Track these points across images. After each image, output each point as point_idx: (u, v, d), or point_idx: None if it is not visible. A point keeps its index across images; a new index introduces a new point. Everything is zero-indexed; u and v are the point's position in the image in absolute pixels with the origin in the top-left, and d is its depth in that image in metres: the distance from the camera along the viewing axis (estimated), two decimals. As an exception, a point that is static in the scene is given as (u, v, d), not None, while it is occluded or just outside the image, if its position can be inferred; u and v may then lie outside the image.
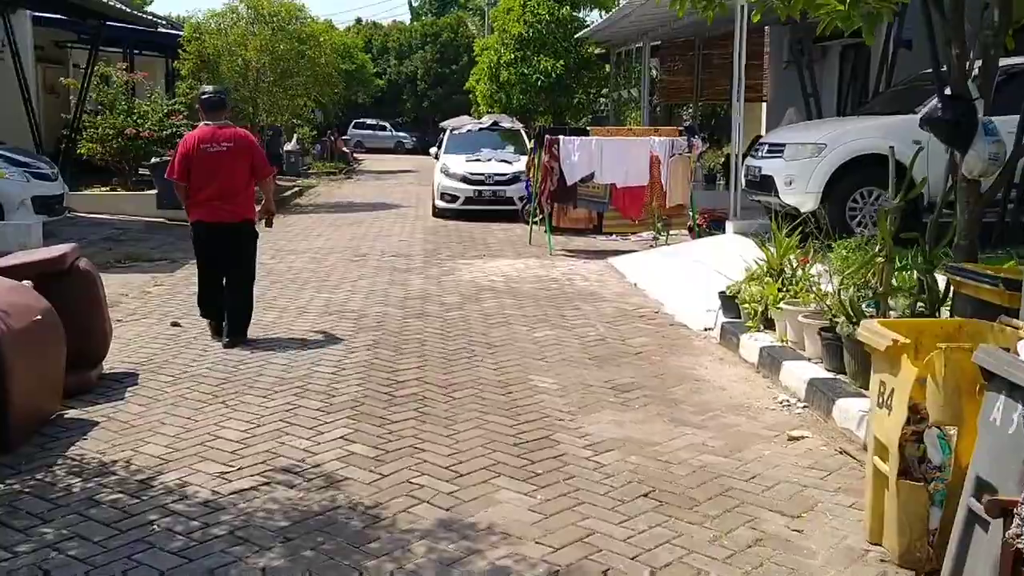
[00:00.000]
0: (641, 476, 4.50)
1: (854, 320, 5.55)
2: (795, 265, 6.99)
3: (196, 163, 6.95)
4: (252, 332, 7.49)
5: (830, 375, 5.79)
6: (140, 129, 17.02)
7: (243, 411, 5.46)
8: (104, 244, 12.96)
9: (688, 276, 9.79)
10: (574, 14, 20.24)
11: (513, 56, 19.87)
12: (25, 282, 5.39)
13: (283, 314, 8.27)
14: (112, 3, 16.51)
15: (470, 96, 34.33)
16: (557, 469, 4.56)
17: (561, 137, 12.07)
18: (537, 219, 14.67)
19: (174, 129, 17.46)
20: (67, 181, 16.74)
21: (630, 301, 9.05)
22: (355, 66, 35.08)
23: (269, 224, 7.78)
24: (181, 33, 19.20)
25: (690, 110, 23.63)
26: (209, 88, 7.46)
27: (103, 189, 17.35)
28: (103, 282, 6.53)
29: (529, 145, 14.82)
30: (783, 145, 10.43)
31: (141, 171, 17.89)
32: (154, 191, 16.31)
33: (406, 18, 57.96)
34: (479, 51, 22.42)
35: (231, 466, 4.59)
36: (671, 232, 12.82)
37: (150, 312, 8.50)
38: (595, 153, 12.05)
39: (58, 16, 17.92)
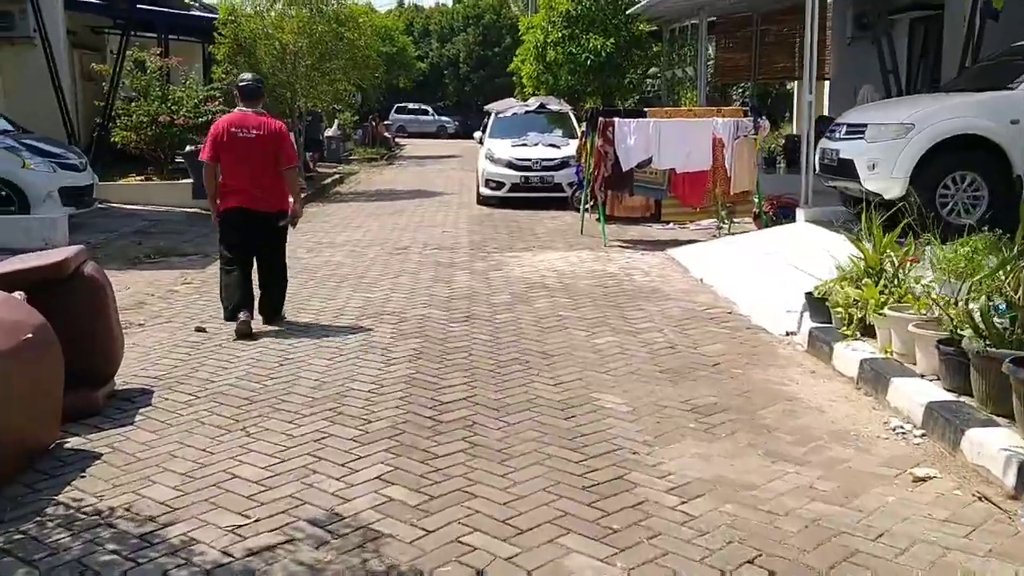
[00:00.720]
0: (742, 533, 3.68)
1: (984, 334, 4.67)
2: (897, 264, 6.08)
3: (226, 147, 6.92)
4: (284, 339, 6.81)
5: (951, 396, 4.90)
6: (175, 116, 16.47)
7: (266, 440, 4.73)
8: (134, 237, 12.39)
9: (761, 271, 8.90)
10: (624, -11, 19.23)
11: (561, 35, 18.85)
12: (17, 293, 4.70)
13: (318, 317, 7.55)
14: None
15: (514, 78, 33.42)
16: (638, 523, 3.76)
17: (616, 119, 11.19)
18: (587, 207, 13.85)
19: (210, 116, 16.88)
20: (100, 171, 16.26)
21: (698, 300, 8.19)
22: (396, 49, 34.35)
23: (292, 224, 7.41)
24: (217, 16, 18.57)
25: (740, 89, 22.53)
26: (248, 76, 7.38)
27: (138, 179, 16.84)
28: (116, 287, 5.87)
29: (579, 128, 13.93)
30: (864, 125, 9.45)
31: (177, 159, 17.38)
32: (189, 180, 15.74)
33: (448, 1, 57.07)
34: (524, 30, 21.47)
35: (247, 516, 3.85)
36: (735, 220, 11.90)
37: (175, 315, 7.83)
38: (653, 136, 11.16)
39: (97, 2, 17.37)
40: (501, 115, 17.26)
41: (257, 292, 7.26)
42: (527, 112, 17.17)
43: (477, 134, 17.47)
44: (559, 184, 15.45)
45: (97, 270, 5.47)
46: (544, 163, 15.56)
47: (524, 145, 15.97)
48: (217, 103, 17.24)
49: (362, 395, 5.43)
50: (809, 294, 6.61)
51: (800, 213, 10.95)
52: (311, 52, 18.28)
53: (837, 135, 9.94)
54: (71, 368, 4.87)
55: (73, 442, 4.77)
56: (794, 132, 18.39)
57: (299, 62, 18.40)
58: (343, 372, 5.92)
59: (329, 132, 29.19)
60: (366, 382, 5.69)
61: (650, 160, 11.26)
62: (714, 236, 11.55)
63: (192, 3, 20.69)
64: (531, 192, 15.60)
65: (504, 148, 15.97)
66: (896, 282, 5.95)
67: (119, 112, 16.63)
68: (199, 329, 7.22)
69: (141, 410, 5.25)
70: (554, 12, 19.05)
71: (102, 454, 4.60)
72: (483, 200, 16.01)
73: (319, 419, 5.03)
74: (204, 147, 7.17)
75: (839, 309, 6.18)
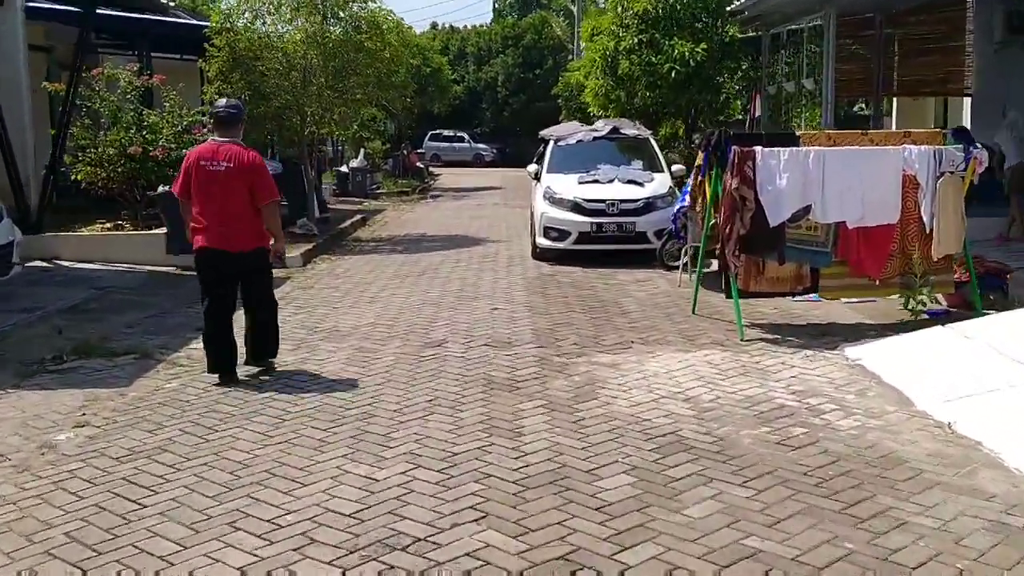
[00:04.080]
0: None
1: None
2: None
3: (195, 181, 6.40)
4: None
5: None
6: (150, 146, 12.96)
7: None
8: (63, 318, 8.81)
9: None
10: (715, -14, 15.34)
11: (636, 40, 15.06)
12: None
13: (263, 552, 3.80)
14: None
15: (559, 101, 29.84)
16: None
17: (758, 148, 7.40)
18: (677, 263, 10.21)
19: (195, 146, 13.35)
20: (51, 218, 12.92)
21: (984, 484, 4.35)
22: (430, 70, 30.88)
23: (278, 259, 7.10)
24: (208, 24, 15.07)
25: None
26: (222, 101, 6.89)
27: (105, 227, 13.30)
28: None
29: (661, 159, 10.08)
30: None
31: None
32: (163, 230, 12.22)
33: (486, 20, 53.93)
34: (587, 37, 17.68)
35: None
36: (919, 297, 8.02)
37: (9, 525, 4.14)
38: (813, 173, 7.37)
39: (50, 7, 13.96)
40: (562, 143, 13.49)
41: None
42: (596, 138, 13.38)
43: (531, 167, 13.72)
44: (643, 233, 11.71)
45: None
46: (623, 205, 11.81)
47: (595, 182, 12.23)
48: (204, 129, 13.73)
49: None
50: None
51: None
52: (324, 67, 14.71)
53: None
54: None
55: None
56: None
57: (310, 79, 14.84)
58: None
59: (354, 163, 25.80)
60: None
61: (808, 209, 7.47)
62: (907, 322, 7.67)
63: (166, 4, 17.12)
64: (605, 244, 11.87)
65: (568, 186, 12.25)
66: None
67: (83, 143, 13.16)
68: (19, 589, 3.53)
69: None
70: (627, 13, 15.23)
71: None
72: (540, 254, 12.28)
73: None
74: (177, 178, 6.71)
75: None
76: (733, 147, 7.43)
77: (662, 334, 7.71)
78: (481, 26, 52.21)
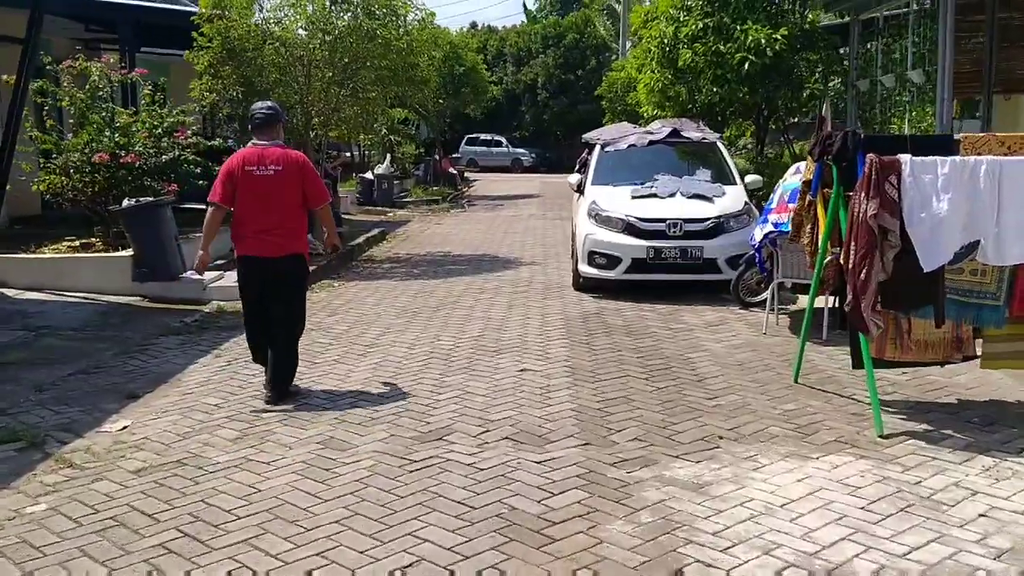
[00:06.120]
0: None
1: None
2: None
3: (241, 187, 6.07)
4: None
5: None
6: (123, 151, 10.93)
7: None
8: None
9: None
10: (793, -34, 12.85)
11: (701, 25, 12.67)
12: None
13: None
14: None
15: (603, 103, 27.56)
16: None
17: (905, 159, 5.08)
18: (756, 299, 8.10)
19: (177, 152, 11.34)
20: (18, 232, 10.99)
21: None
22: (464, 69, 28.74)
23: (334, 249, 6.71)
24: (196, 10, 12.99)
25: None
26: (257, 104, 6.46)
27: (70, 247, 11.29)
28: None
29: (765, 171, 7.76)
30: None
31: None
32: (129, 252, 10.18)
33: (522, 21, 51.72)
34: (639, 25, 15.28)
35: None
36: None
37: None
38: (985, 195, 5.05)
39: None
40: (611, 148, 11.19)
41: None
42: (652, 143, 11.08)
43: (573, 177, 11.47)
44: (712, 261, 9.42)
45: None
46: (688, 226, 9.52)
47: (652, 196, 9.95)
48: (188, 133, 11.69)
49: None
50: None
51: None
52: (330, 60, 12.61)
53: None
54: None
55: None
56: None
57: (314, 74, 12.74)
58: None
59: (379, 169, 23.73)
60: None
61: (974, 246, 5.15)
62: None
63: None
64: (665, 274, 9.58)
65: (619, 201, 9.98)
66: None
67: (45, 147, 11.18)
68: None
69: None
70: (689, -5, 12.80)
71: None
72: (584, 284, 10.03)
73: None
74: (215, 186, 6.19)
75: None
76: (868, 156, 5.12)
77: (761, 422, 5.41)
78: (520, 26, 50.04)
